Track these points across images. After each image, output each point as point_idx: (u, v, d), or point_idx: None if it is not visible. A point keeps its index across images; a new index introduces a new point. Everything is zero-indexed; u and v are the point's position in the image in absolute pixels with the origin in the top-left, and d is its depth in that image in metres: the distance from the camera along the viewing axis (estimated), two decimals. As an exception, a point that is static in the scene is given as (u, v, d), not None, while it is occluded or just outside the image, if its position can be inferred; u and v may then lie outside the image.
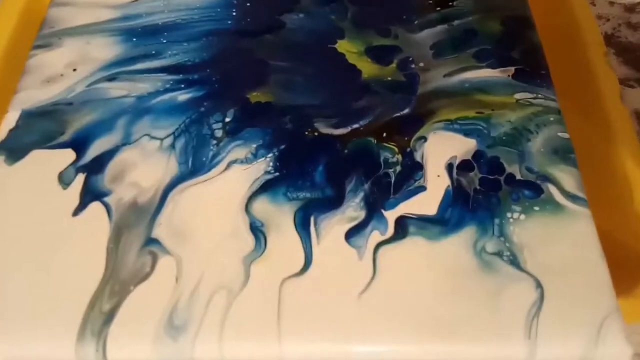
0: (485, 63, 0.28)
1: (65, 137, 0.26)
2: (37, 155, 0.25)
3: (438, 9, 0.30)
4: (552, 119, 0.26)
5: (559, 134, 0.25)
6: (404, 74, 0.28)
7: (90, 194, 0.24)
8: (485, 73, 0.28)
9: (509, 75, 0.27)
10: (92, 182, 0.24)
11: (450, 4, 0.30)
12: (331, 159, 0.25)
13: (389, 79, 0.28)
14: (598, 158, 0.30)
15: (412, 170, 0.24)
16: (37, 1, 0.36)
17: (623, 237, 0.28)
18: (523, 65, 0.28)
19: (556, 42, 0.34)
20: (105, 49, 0.29)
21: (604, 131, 0.30)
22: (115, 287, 0.21)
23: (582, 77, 0.32)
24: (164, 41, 0.29)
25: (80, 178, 0.24)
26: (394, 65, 0.28)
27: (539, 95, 0.27)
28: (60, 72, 0.28)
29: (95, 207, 0.24)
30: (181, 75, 0.28)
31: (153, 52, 0.29)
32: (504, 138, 0.25)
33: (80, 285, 0.21)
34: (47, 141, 0.25)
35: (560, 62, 0.32)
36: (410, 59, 0.28)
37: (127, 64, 0.28)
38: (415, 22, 0.30)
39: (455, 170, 0.24)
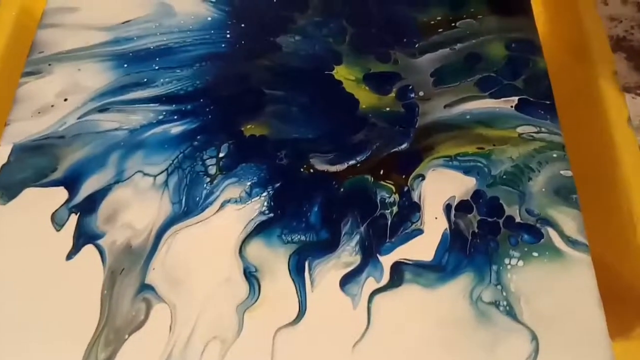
0: (488, 92, 0.27)
1: (57, 174, 0.26)
2: (30, 194, 0.25)
3: (440, 30, 0.30)
4: (555, 155, 0.25)
5: (562, 172, 0.25)
6: (403, 104, 0.27)
7: (84, 236, 0.24)
8: (488, 103, 0.27)
9: (512, 106, 0.27)
10: (85, 223, 0.24)
11: (454, 25, 0.30)
12: (327, 198, 0.25)
13: (388, 109, 0.27)
14: (602, 187, 0.30)
15: (409, 211, 0.24)
16: (27, 14, 0.36)
17: (625, 271, 0.28)
18: (527, 94, 0.27)
19: (563, 58, 0.34)
20: (96, 77, 0.28)
21: (609, 159, 0.29)
22: (110, 336, 0.22)
23: (589, 99, 0.32)
24: (156, 67, 0.29)
25: (73, 219, 0.24)
26: (392, 94, 0.27)
27: (543, 129, 0.26)
28: (51, 102, 0.28)
29: (89, 250, 0.24)
30: (174, 106, 0.27)
31: (145, 79, 0.28)
32: (504, 177, 0.25)
33: (76, 334, 0.22)
34: (40, 178, 0.25)
35: (566, 81, 0.32)
36: (410, 87, 0.28)
37: (118, 94, 0.28)
38: (417, 46, 0.29)
39: (453, 212, 0.24)
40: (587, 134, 0.32)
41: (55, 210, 0.25)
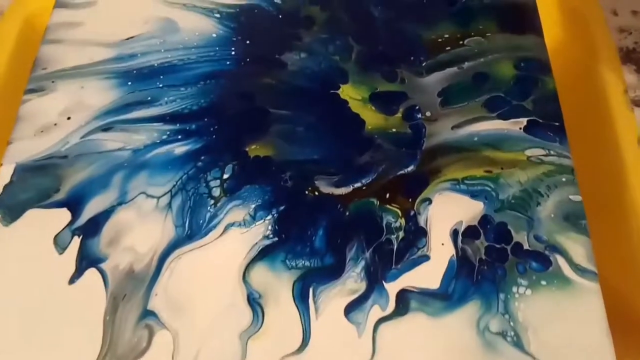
0: (496, 113, 0.27)
1: (60, 195, 0.26)
2: (33, 215, 0.25)
3: (448, 48, 0.29)
4: (564, 179, 0.25)
5: (571, 197, 0.25)
6: (410, 125, 0.27)
7: (86, 260, 0.24)
8: (496, 125, 0.27)
9: (520, 128, 0.26)
10: (87, 246, 0.24)
11: (461, 42, 0.29)
12: (332, 222, 0.25)
13: (394, 130, 0.27)
14: (611, 209, 0.29)
15: (416, 236, 0.24)
16: (31, 28, 0.36)
17: (634, 296, 0.28)
18: (536, 115, 0.27)
19: (572, 75, 0.33)
20: (100, 95, 0.28)
21: (619, 180, 0.29)
22: (112, 363, 0.22)
23: (598, 119, 0.31)
24: (160, 85, 0.29)
25: (76, 242, 0.24)
26: (399, 115, 0.27)
27: (552, 152, 0.26)
28: (55, 121, 0.28)
29: (91, 274, 0.24)
30: (178, 125, 0.27)
31: (149, 98, 0.28)
32: (512, 201, 0.25)
33: (78, 361, 0.22)
34: (43, 199, 0.25)
35: (575, 99, 0.31)
36: (417, 107, 0.27)
37: (122, 112, 0.28)
38: (424, 64, 0.29)
39: (460, 238, 0.24)
40: (596, 155, 0.31)
41: (58, 233, 0.25)
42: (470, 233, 0.24)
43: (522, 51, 0.29)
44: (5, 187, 0.26)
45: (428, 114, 0.27)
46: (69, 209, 0.25)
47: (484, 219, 0.24)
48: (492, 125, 0.26)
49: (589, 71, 0.33)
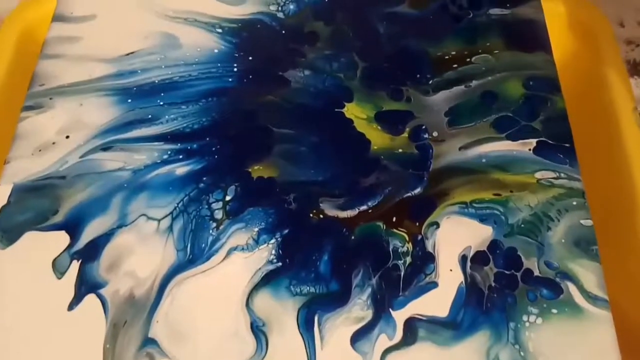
0: (505, 134, 0.27)
1: (59, 217, 0.25)
2: (31, 238, 0.24)
3: (455, 66, 0.29)
4: (575, 203, 0.25)
5: (582, 221, 0.24)
6: (416, 146, 0.27)
7: (85, 285, 0.23)
8: (505, 146, 0.26)
9: (530, 149, 0.26)
10: (87, 271, 0.24)
11: (469, 60, 0.29)
12: (337, 247, 0.24)
13: (400, 151, 0.27)
14: (622, 232, 0.29)
15: (423, 262, 0.24)
16: (29, 38, 0.35)
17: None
18: (546, 136, 0.26)
19: (580, 92, 0.33)
20: (99, 112, 0.28)
21: (628, 200, 0.29)
22: (112, 394, 0.22)
23: (607, 136, 0.31)
24: (161, 103, 0.28)
25: (75, 266, 0.24)
26: (405, 134, 0.27)
27: (562, 175, 0.25)
28: (53, 139, 0.27)
29: (91, 300, 0.23)
30: (179, 145, 0.27)
31: (149, 116, 0.28)
32: (522, 226, 0.24)
33: (77, 391, 0.22)
34: (41, 221, 0.25)
35: (583, 117, 0.31)
36: (423, 127, 0.27)
37: (122, 131, 0.27)
38: (430, 82, 0.28)
39: (469, 264, 0.23)
40: (605, 173, 0.31)
41: (57, 257, 0.24)
42: (479, 259, 0.24)
43: (531, 69, 0.29)
44: (3, 208, 0.25)
45: (435, 134, 0.27)
46: (67, 232, 0.25)
47: (493, 244, 0.24)
48: (501, 147, 0.26)
49: (597, 88, 0.33)
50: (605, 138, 0.32)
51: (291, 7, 0.31)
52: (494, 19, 0.30)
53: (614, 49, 0.34)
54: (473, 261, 0.23)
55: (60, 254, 0.24)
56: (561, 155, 0.26)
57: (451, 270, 0.23)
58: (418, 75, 0.29)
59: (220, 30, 0.30)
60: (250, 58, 0.30)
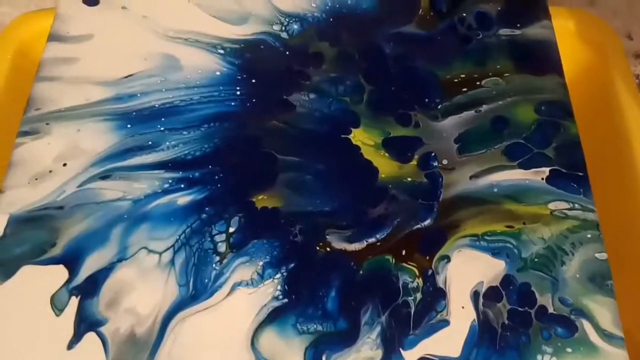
0: (517, 162, 0.26)
1: (56, 250, 0.25)
2: (28, 272, 0.24)
3: (464, 89, 0.28)
4: (589, 236, 0.24)
5: (597, 255, 0.24)
6: (426, 174, 0.26)
7: (85, 323, 0.23)
8: (517, 175, 0.26)
9: (542, 178, 0.26)
10: (86, 307, 0.23)
11: (479, 83, 0.29)
12: (345, 282, 0.24)
13: (409, 179, 0.26)
14: (635, 261, 0.29)
15: (434, 298, 0.23)
16: (24, 57, 0.35)
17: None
18: (559, 164, 0.26)
19: (592, 111, 0.33)
20: (97, 139, 0.27)
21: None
22: None
23: (620, 156, 0.31)
24: (161, 129, 0.28)
25: (74, 302, 0.23)
26: (414, 162, 0.27)
27: (576, 205, 0.25)
28: (50, 167, 0.27)
29: (91, 338, 0.23)
30: (180, 173, 0.26)
31: (149, 142, 0.27)
32: (536, 260, 0.24)
33: None
34: (38, 254, 0.24)
35: (595, 137, 0.31)
36: (433, 154, 0.27)
37: (121, 158, 0.27)
38: (439, 107, 0.28)
39: (481, 300, 0.23)
40: (617, 197, 0.31)
41: (55, 292, 0.24)
42: (492, 295, 0.23)
43: (543, 93, 0.28)
44: (-1, 240, 0.25)
45: (445, 161, 0.27)
46: (65, 266, 0.24)
47: (506, 279, 0.23)
48: (513, 175, 0.26)
49: (607, 106, 0.33)
50: (617, 158, 0.31)
51: (295, 26, 0.31)
52: (504, 40, 0.30)
53: (625, 65, 0.34)
54: (485, 297, 0.23)
55: (59, 289, 0.24)
56: (575, 185, 0.25)
57: (463, 307, 0.23)
58: (426, 100, 0.28)
59: (222, 51, 0.30)
60: (254, 81, 0.29)
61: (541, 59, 0.29)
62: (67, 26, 0.31)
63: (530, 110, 0.28)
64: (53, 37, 0.31)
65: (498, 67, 0.29)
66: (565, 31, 0.34)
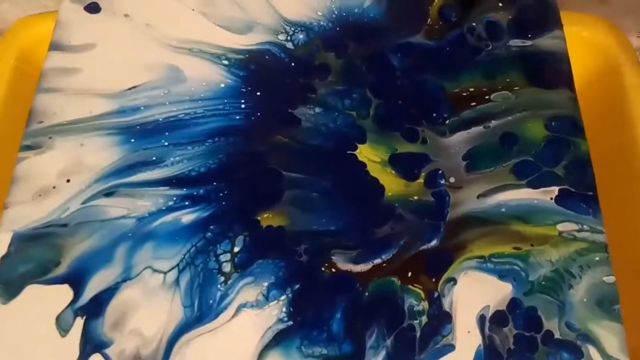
0: (526, 180, 0.26)
1: (61, 269, 0.25)
2: (33, 292, 0.24)
3: (473, 104, 0.28)
4: (597, 258, 0.24)
5: (604, 278, 0.24)
6: (433, 193, 0.26)
7: (90, 344, 0.23)
8: (525, 194, 0.25)
9: (551, 198, 0.25)
10: (91, 328, 0.23)
11: (488, 97, 0.28)
12: (350, 304, 0.24)
13: (416, 198, 0.26)
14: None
15: (440, 322, 0.23)
16: (26, 62, 0.34)
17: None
18: (568, 183, 0.26)
19: (602, 121, 0.32)
20: (101, 153, 0.27)
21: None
22: None
23: (631, 172, 0.30)
24: (166, 143, 0.27)
25: (79, 323, 0.23)
26: (421, 180, 0.26)
27: (585, 227, 0.25)
28: (53, 183, 0.26)
29: (96, 360, 0.23)
30: (185, 190, 0.26)
31: (153, 158, 0.27)
32: (543, 283, 0.24)
33: None
34: (43, 273, 0.24)
35: (605, 149, 0.30)
36: (440, 172, 0.26)
37: (125, 175, 0.26)
38: (447, 122, 0.27)
39: (487, 325, 0.23)
40: (626, 214, 0.30)
41: (60, 313, 0.24)
42: (498, 319, 0.23)
43: (553, 108, 0.27)
44: (3, 258, 0.25)
45: (452, 179, 0.26)
46: (70, 286, 0.24)
47: (513, 303, 0.23)
48: (521, 195, 0.25)
49: (619, 115, 0.32)
50: (628, 168, 0.31)
51: (300, 36, 0.30)
52: (514, 52, 0.29)
53: (637, 73, 0.33)
54: (492, 322, 0.23)
55: (64, 309, 0.24)
56: (584, 205, 0.25)
57: (469, 331, 0.23)
58: (434, 114, 0.28)
59: (226, 62, 0.29)
60: (259, 93, 0.29)
61: (552, 71, 0.28)
62: (69, 35, 0.30)
63: (540, 126, 0.27)
64: (54, 46, 0.30)
65: (508, 80, 0.28)
66: (575, 37, 0.33)
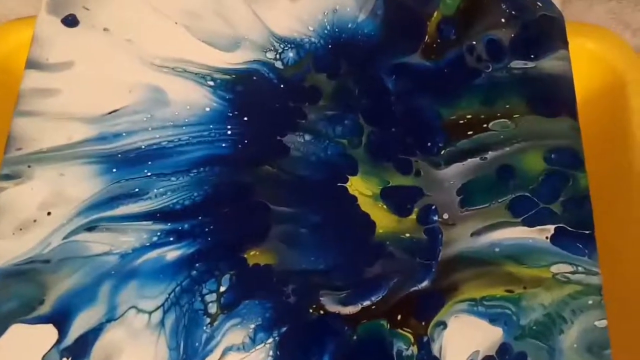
0: (521, 218, 0.25)
1: (45, 308, 0.24)
2: (18, 332, 0.24)
3: (470, 133, 0.27)
4: (590, 302, 0.24)
5: (596, 322, 0.23)
6: (425, 230, 0.25)
7: (77, 386, 0.23)
8: (520, 233, 0.25)
9: (547, 237, 0.25)
10: (77, 370, 0.24)
11: (485, 126, 0.27)
12: (338, 347, 0.23)
13: (407, 235, 0.25)
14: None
15: (428, 367, 0.23)
16: (5, 69, 0.33)
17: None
18: (565, 221, 0.25)
19: (604, 141, 0.31)
20: (82, 184, 0.26)
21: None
22: None
23: (636, 193, 0.30)
24: (148, 174, 0.26)
25: (66, 364, 0.24)
26: (413, 216, 0.25)
27: (580, 268, 0.24)
28: (34, 216, 0.26)
29: (83, 403, 0.23)
30: (169, 225, 0.25)
31: (136, 189, 0.26)
32: (534, 328, 0.23)
33: None
34: (27, 311, 0.24)
35: (605, 170, 0.29)
36: (433, 207, 0.26)
37: (107, 208, 0.26)
38: (442, 152, 0.26)
39: (476, 371, 0.23)
40: (629, 234, 0.30)
41: (46, 353, 0.23)
42: (487, 365, 0.23)
43: (554, 138, 0.26)
44: (-14, 295, 0.25)
45: (445, 216, 0.25)
46: (55, 325, 0.24)
47: (503, 348, 0.23)
48: (516, 234, 0.25)
49: (622, 132, 0.31)
50: (630, 188, 0.30)
51: (290, 54, 0.29)
52: (516, 74, 0.27)
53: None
54: (480, 367, 0.23)
55: (49, 350, 0.23)
56: (580, 245, 0.24)
57: (457, 377, 0.23)
58: (429, 144, 0.27)
59: (212, 83, 0.28)
60: (246, 119, 0.27)
61: (554, 98, 0.27)
62: (47, 52, 0.29)
63: (538, 158, 0.26)
64: (31, 64, 0.28)
65: (507, 106, 0.27)
66: (578, 49, 0.31)
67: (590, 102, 0.33)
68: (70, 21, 0.29)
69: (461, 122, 0.27)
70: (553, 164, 0.26)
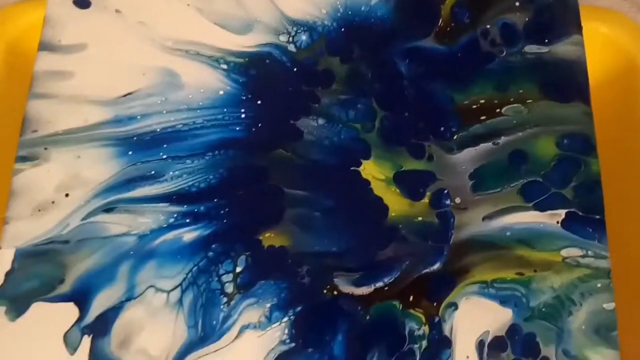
0: (533, 203, 0.25)
1: (65, 287, 0.25)
2: (39, 310, 0.24)
3: (483, 118, 0.27)
4: (599, 285, 0.24)
5: (605, 305, 0.24)
6: (437, 214, 0.26)
7: (98, 362, 0.24)
8: (531, 217, 0.25)
9: (557, 222, 0.25)
10: (99, 347, 0.24)
11: (498, 111, 0.27)
12: (351, 327, 0.24)
13: (420, 219, 0.26)
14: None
15: (439, 347, 0.24)
16: (16, 54, 0.33)
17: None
18: (576, 206, 0.25)
19: (616, 127, 0.31)
20: (99, 167, 0.26)
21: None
22: None
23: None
24: (164, 156, 0.27)
25: (87, 341, 0.24)
26: (426, 200, 0.26)
27: (589, 252, 0.25)
28: (52, 198, 0.26)
29: (105, 379, 0.24)
30: (185, 207, 0.26)
31: (152, 172, 0.26)
32: (543, 310, 0.24)
33: None
34: (47, 290, 0.25)
35: (616, 156, 0.30)
36: (446, 191, 0.26)
37: (124, 189, 0.26)
38: (455, 137, 0.27)
39: (486, 350, 0.24)
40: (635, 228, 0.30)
41: (67, 331, 0.24)
42: (497, 345, 0.24)
43: (566, 124, 0.27)
44: (7, 275, 0.25)
45: (457, 200, 0.26)
46: (75, 304, 0.25)
47: (512, 329, 0.24)
48: (527, 218, 0.25)
49: (634, 120, 0.31)
50: (636, 178, 0.31)
51: (303, 37, 0.29)
52: (529, 59, 0.27)
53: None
54: (490, 347, 0.24)
55: (71, 327, 0.24)
56: (590, 230, 0.25)
57: (467, 357, 0.23)
58: (442, 129, 0.27)
59: (225, 67, 0.28)
60: (259, 102, 0.28)
61: (568, 83, 0.27)
62: (59, 33, 0.29)
63: (551, 143, 0.26)
64: (44, 46, 0.29)
65: (521, 91, 0.27)
66: (591, 33, 0.31)
67: (603, 86, 0.33)
68: (82, 2, 0.29)
69: (474, 106, 0.27)
70: (565, 150, 0.26)
